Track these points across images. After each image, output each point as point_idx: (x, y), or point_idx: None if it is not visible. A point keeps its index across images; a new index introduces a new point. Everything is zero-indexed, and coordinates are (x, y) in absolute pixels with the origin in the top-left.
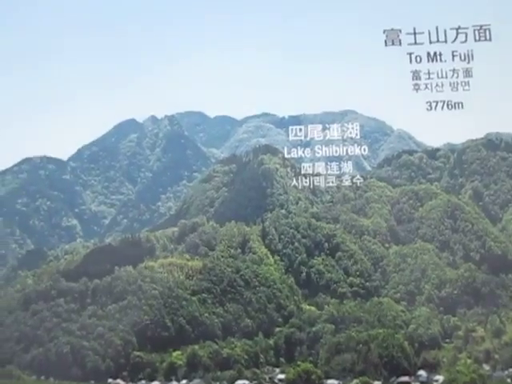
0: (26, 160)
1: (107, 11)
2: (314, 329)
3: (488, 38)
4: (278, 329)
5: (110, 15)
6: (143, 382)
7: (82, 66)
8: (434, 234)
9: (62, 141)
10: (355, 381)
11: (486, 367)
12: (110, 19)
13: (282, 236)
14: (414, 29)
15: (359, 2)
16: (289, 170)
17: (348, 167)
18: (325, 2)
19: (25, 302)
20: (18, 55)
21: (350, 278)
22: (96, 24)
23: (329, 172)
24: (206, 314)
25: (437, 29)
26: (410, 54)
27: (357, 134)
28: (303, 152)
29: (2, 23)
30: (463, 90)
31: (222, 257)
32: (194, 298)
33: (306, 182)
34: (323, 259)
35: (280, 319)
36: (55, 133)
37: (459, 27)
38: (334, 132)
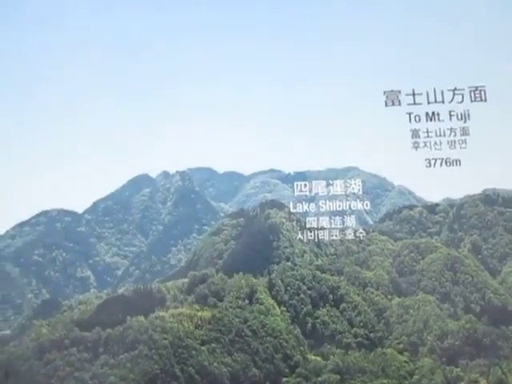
0: (43, 213)
1: (121, 71)
2: (319, 379)
3: (483, 98)
4: (284, 379)
5: (125, 75)
6: None
7: (97, 125)
8: (435, 286)
9: (78, 194)
10: None
11: None
12: (125, 79)
13: (288, 287)
14: (413, 90)
15: (361, 66)
16: (294, 223)
17: (351, 221)
18: (327, 65)
19: (39, 351)
20: (36, 114)
21: (355, 329)
22: (112, 84)
23: (333, 226)
24: (215, 364)
25: (434, 90)
26: (410, 113)
27: (359, 190)
28: (308, 207)
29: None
30: (460, 147)
31: (231, 307)
32: (203, 348)
33: (310, 236)
34: (328, 310)
35: (286, 369)
36: (72, 187)
37: (456, 88)
38: (338, 188)
